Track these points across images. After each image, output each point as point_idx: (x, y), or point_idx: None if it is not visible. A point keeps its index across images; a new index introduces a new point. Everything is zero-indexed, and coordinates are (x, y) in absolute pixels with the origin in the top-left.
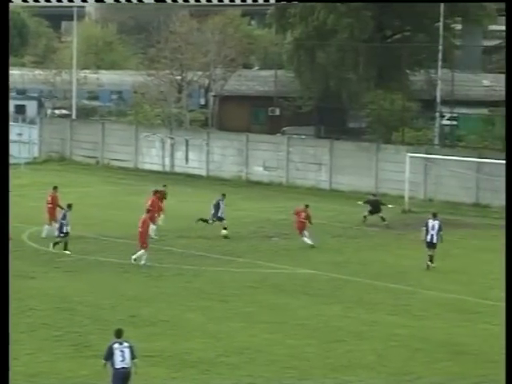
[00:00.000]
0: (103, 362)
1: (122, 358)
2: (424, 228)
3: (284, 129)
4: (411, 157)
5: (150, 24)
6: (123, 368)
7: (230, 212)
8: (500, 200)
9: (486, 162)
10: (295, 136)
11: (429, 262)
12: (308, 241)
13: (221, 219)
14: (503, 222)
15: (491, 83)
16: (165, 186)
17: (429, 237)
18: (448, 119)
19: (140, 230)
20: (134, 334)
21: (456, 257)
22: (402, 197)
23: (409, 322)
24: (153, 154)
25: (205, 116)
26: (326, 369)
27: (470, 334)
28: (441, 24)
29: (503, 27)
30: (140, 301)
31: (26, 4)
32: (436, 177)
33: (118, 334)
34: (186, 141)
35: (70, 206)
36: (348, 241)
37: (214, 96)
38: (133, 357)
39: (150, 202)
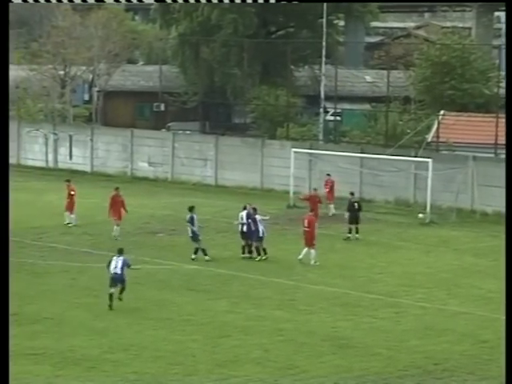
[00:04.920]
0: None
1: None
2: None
3: (169, 124)
4: (296, 152)
5: (31, 18)
6: (115, 273)
7: None
8: (383, 195)
9: (369, 157)
10: (180, 131)
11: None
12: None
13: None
14: (387, 217)
15: (374, 79)
16: (315, 189)
17: (261, 231)
18: (332, 115)
19: (307, 229)
20: (16, 331)
21: (340, 251)
22: (288, 192)
23: (294, 316)
24: (36, 150)
25: (89, 111)
26: (211, 364)
27: (353, 327)
28: (324, 20)
29: (385, 24)
30: (23, 298)
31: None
32: (320, 172)
33: (120, 251)
34: (70, 136)
35: (191, 209)
36: (234, 236)
37: (98, 91)
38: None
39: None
